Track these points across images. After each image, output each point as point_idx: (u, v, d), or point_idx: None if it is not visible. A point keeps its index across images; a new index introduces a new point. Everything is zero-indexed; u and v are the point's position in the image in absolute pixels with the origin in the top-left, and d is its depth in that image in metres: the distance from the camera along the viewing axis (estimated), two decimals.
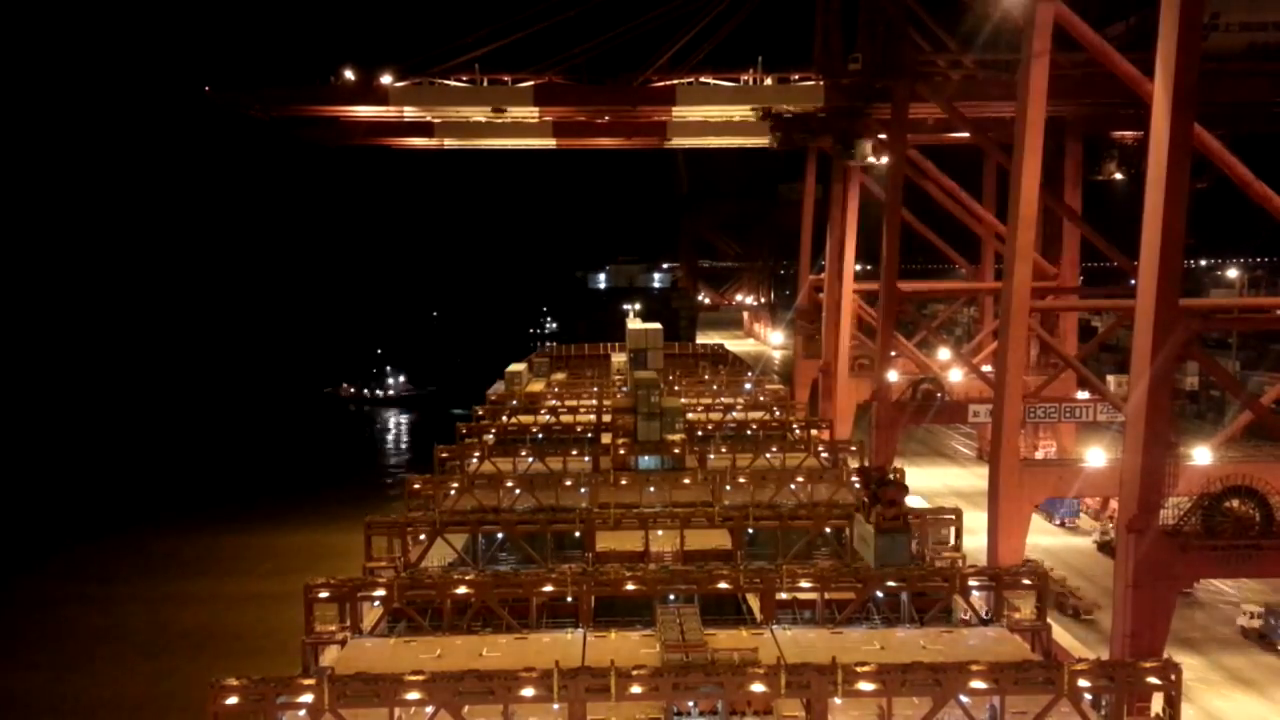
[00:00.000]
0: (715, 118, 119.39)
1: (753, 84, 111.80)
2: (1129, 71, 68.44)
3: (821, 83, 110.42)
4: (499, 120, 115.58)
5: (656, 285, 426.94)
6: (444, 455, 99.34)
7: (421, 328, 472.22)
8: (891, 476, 68.96)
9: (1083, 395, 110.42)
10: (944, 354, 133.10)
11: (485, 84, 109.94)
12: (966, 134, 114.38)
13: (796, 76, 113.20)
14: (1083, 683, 42.15)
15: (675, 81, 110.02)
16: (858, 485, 72.00)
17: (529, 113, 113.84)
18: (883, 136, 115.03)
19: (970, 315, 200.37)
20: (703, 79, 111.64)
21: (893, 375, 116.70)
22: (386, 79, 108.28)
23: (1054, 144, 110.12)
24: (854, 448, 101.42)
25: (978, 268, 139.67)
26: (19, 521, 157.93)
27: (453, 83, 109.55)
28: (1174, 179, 55.95)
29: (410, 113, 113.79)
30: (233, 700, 41.30)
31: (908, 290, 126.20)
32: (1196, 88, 55.73)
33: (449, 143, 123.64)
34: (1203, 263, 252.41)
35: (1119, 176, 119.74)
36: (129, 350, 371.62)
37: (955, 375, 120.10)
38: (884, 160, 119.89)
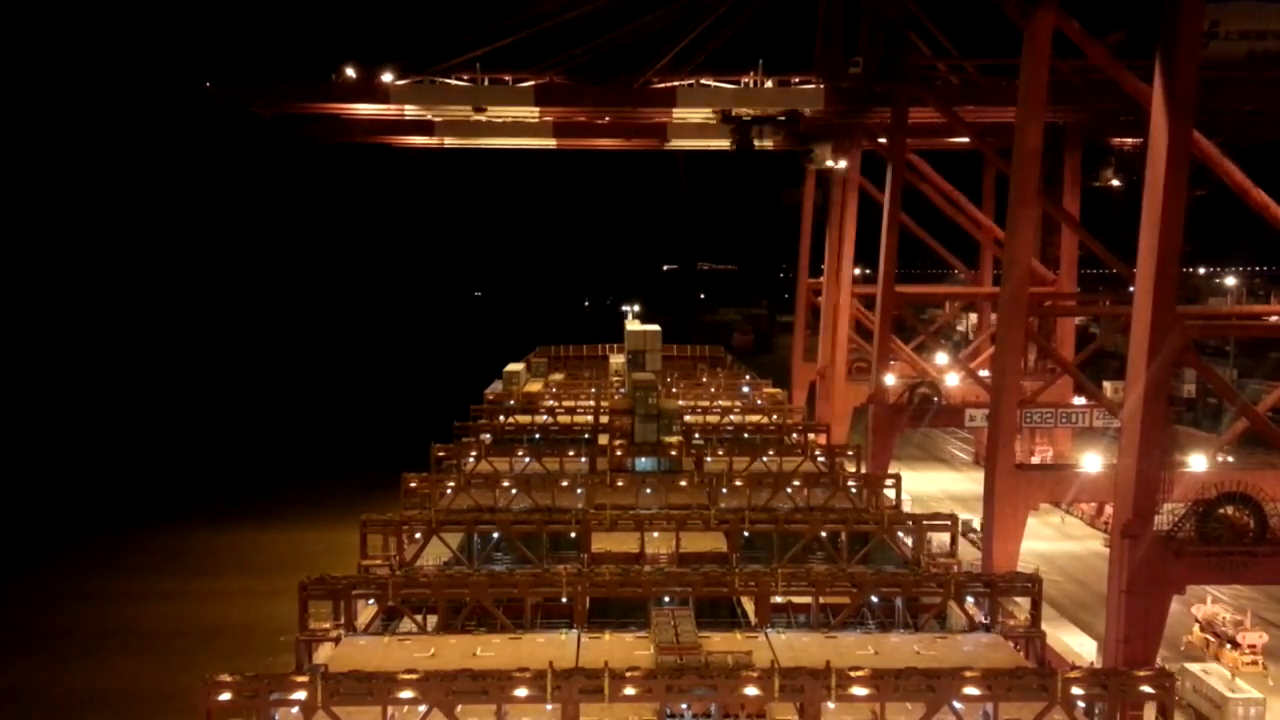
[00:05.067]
0: (716, 120, 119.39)
1: (753, 86, 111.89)
2: (1128, 79, 68.55)
3: (822, 86, 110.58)
4: (499, 119, 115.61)
5: None
6: (441, 454, 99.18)
7: None
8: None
9: (1079, 401, 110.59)
10: (941, 358, 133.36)
11: (486, 83, 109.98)
12: (966, 139, 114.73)
13: (797, 80, 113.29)
14: (1076, 690, 42.19)
15: (676, 83, 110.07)
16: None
17: (529, 113, 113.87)
18: (882, 140, 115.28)
19: (968, 320, 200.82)
20: (703, 81, 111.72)
21: (890, 379, 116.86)
22: (387, 77, 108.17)
23: (1053, 150, 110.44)
24: (851, 452, 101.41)
25: (976, 272, 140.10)
26: (14, 519, 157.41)
27: (453, 81, 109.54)
28: (1172, 186, 56.03)
29: (410, 111, 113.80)
30: (226, 697, 41.28)
31: (906, 294, 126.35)
32: (1195, 95, 55.86)
33: (449, 141, 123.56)
34: (1200, 270, 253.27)
35: (1117, 183, 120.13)
36: (126, 347, 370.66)
37: (952, 379, 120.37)
38: (842, 164, 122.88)
